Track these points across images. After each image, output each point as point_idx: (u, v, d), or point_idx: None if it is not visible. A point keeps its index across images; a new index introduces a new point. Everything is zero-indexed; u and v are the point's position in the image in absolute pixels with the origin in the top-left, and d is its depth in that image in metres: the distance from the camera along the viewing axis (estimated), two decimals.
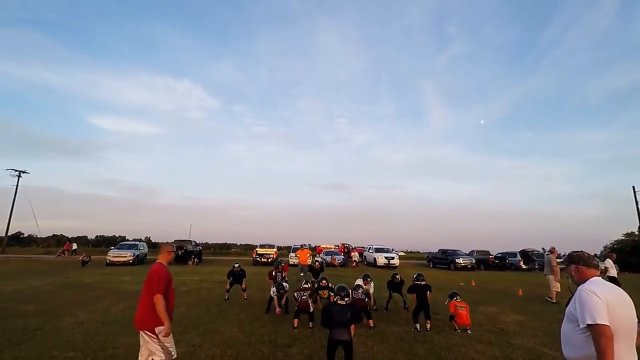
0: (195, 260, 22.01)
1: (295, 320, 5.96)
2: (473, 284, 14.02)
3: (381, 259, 23.12)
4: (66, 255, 27.03)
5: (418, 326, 5.96)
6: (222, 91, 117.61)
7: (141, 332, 3.20)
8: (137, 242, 24.45)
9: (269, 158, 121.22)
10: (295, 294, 6.50)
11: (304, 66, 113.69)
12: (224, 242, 58.27)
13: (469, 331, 5.94)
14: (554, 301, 9.24)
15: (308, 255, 14.18)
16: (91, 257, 20.85)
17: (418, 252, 46.76)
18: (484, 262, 24.81)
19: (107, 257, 20.29)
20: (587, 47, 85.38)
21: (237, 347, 4.83)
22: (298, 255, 14.52)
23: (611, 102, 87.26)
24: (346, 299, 3.89)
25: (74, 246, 29.63)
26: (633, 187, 28.92)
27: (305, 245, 18.83)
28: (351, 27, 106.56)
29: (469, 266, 22.61)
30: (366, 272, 8.75)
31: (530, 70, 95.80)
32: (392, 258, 23.25)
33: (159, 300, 3.13)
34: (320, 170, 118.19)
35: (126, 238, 48.63)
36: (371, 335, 5.54)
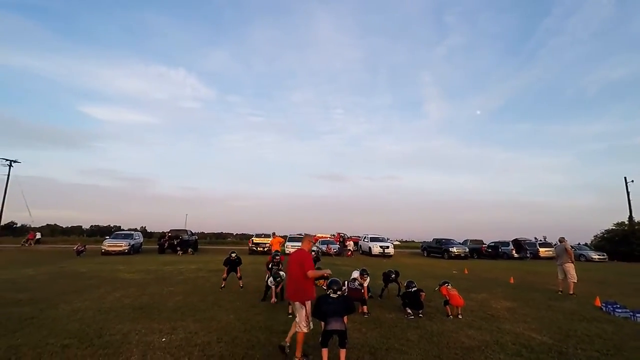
0: (191, 250, 22.07)
1: (290, 307, 6.04)
2: (466, 272, 14.28)
3: (376, 248, 23.39)
4: (31, 245, 26.91)
5: (409, 310, 6.19)
6: (217, 81, 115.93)
7: (295, 303, 4.10)
8: (133, 232, 24.40)
9: (265, 148, 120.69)
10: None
11: (300, 56, 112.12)
12: (220, 231, 58.42)
13: (460, 316, 6.08)
14: (572, 292, 8.54)
15: (280, 243, 15.23)
16: (86, 246, 20.79)
17: (413, 241, 47.29)
18: (477, 251, 25.20)
19: (102, 247, 20.26)
20: (585, 39, 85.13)
21: (233, 333, 4.89)
22: (271, 243, 15.57)
23: (605, 94, 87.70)
24: (338, 292, 4.00)
25: (38, 235, 29.66)
26: (625, 177, 29.40)
27: (275, 233, 19.86)
28: (348, 16, 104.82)
29: (463, 255, 22.98)
30: (361, 260, 8.84)
31: (527, 61, 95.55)
32: (387, 247, 23.52)
33: (313, 273, 4.11)
34: (317, 161, 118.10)
35: (121, 228, 48.54)
36: (365, 322, 5.64)
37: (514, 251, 24.59)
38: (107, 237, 23.10)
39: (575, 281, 8.81)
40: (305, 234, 4.81)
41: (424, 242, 29.57)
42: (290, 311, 5.94)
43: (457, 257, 22.57)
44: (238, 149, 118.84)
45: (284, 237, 24.38)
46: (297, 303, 4.06)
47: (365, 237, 26.55)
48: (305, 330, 3.95)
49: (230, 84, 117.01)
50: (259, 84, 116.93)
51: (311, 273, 4.05)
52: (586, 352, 4.46)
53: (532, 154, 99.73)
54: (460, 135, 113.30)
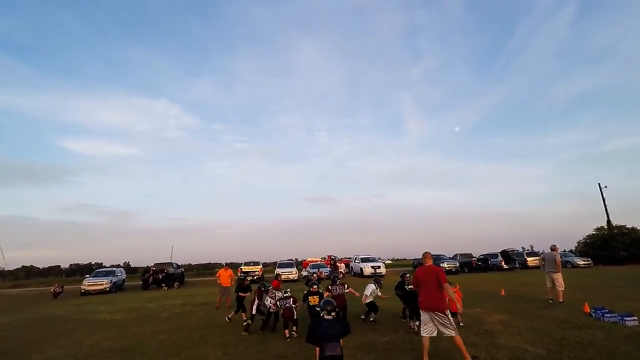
0: (177, 284, 21.20)
1: (286, 331, 6.24)
2: (457, 287, 14.22)
3: (367, 269, 23.13)
4: None
5: (411, 324, 6.57)
6: (200, 109, 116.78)
7: (432, 313, 4.53)
8: (115, 269, 23.29)
9: (252, 174, 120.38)
10: (278, 304, 6.69)
11: (283, 82, 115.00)
12: (207, 262, 56.65)
13: (461, 324, 6.10)
14: (561, 300, 8.64)
15: (230, 276, 11.56)
16: (64, 287, 19.63)
17: (404, 259, 47.12)
18: (467, 264, 25.29)
19: (82, 286, 19.22)
20: (547, 56, 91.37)
21: None
22: (219, 276, 11.46)
23: (573, 106, 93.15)
24: (332, 313, 3.78)
25: None
26: (599, 184, 30.65)
27: (226, 264, 13.91)
28: (328, 42, 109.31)
29: (453, 270, 23.00)
30: (353, 282, 8.74)
31: (499, 79, 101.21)
32: (379, 267, 23.31)
33: (449, 288, 4.65)
34: (304, 184, 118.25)
35: (103, 265, 46.33)
36: (359, 347, 5.46)
37: (502, 262, 24.80)
38: (87, 275, 21.96)
39: (563, 289, 8.89)
40: (425, 252, 5.10)
41: (415, 259, 29.50)
42: (287, 335, 6.14)
43: (448, 272, 22.50)
44: (225, 176, 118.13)
45: (274, 263, 23.62)
46: (438, 314, 4.50)
47: (356, 258, 26.25)
48: (455, 333, 4.48)
49: (214, 112, 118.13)
50: (244, 111, 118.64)
51: (446, 285, 4.62)
52: None
53: (512, 165, 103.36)
54: (441, 151, 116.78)
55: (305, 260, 29.26)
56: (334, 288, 7.41)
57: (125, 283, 23.22)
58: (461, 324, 6.44)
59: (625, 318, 6.35)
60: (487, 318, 7.36)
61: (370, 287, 7.37)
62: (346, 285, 7.65)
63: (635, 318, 6.30)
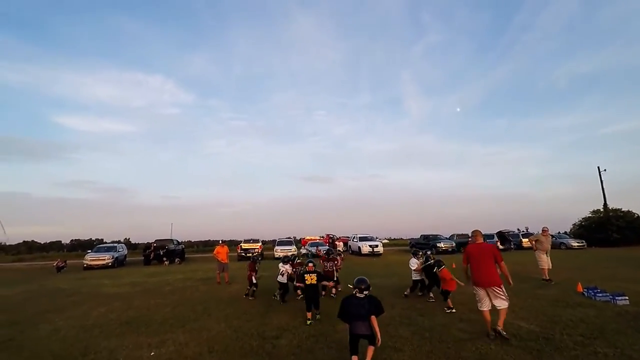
0: (178, 260, 21.61)
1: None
2: (454, 266, 14.48)
3: (365, 248, 23.53)
4: None
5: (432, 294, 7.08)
6: (196, 85, 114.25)
7: (489, 288, 4.80)
8: (116, 244, 23.61)
9: (250, 153, 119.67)
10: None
11: (280, 58, 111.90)
12: (207, 239, 57.39)
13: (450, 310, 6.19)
14: (545, 278, 9.17)
15: (227, 252, 11.63)
16: (67, 262, 19.99)
17: (401, 239, 47.89)
18: (464, 245, 25.67)
19: (84, 261, 19.54)
20: (554, 34, 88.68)
21: (224, 342, 4.80)
22: (217, 253, 11.45)
23: (575, 88, 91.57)
24: (365, 292, 3.72)
25: None
26: (598, 167, 30.69)
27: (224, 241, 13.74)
28: (327, 17, 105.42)
29: (450, 250, 23.42)
30: (351, 260, 9.02)
31: (502, 57, 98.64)
32: (376, 246, 23.70)
33: (504, 266, 4.90)
34: (302, 163, 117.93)
35: (104, 241, 46.93)
36: None
37: (498, 243, 25.22)
38: (89, 250, 22.29)
39: (544, 268, 9.32)
40: (476, 230, 5.32)
41: (412, 238, 29.97)
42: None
43: (445, 252, 22.96)
44: (222, 155, 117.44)
45: (273, 241, 23.89)
46: (495, 288, 4.76)
47: (354, 237, 26.66)
48: (507, 304, 4.78)
49: (210, 88, 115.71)
50: (240, 87, 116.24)
51: (503, 263, 4.89)
52: (571, 337, 4.61)
53: (511, 147, 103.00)
54: (441, 132, 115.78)
55: (304, 238, 29.69)
56: (326, 264, 8.01)
57: (127, 258, 23.61)
58: (453, 310, 6.45)
59: (616, 297, 6.54)
60: None
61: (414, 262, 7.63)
62: (338, 260, 8.41)
63: (626, 297, 6.49)
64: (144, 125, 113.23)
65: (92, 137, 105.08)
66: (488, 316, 4.81)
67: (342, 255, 10.92)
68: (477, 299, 4.94)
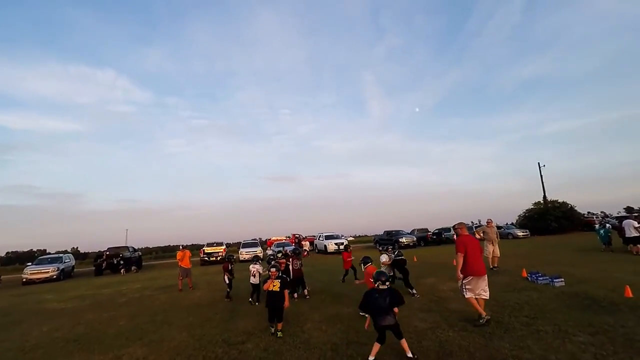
0: (134, 268, 20.26)
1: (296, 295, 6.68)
2: (415, 259, 15.22)
3: (331, 246, 23.82)
4: None
5: (414, 291, 7.11)
6: (152, 82, 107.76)
7: (482, 277, 5.05)
8: (62, 255, 21.54)
9: (211, 153, 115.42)
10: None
11: (242, 55, 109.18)
12: (167, 244, 54.51)
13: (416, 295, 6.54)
14: (493, 266, 9.87)
15: (189, 257, 11.04)
16: (2, 277, 17.86)
17: (366, 235, 49.14)
18: (423, 239, 27.02)
19: (23, 275, 17.60)
20: (500, 41, 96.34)
21: (187, 352, 4.59)
22: (180, 258, 10.80)
23: (520, 91, 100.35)
24: (387, 283, 3.93)
25: None
26: (538, 163, 33.95)
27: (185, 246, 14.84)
28: (290, 15, 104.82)
29: (411, 244, 24.47)
30: (318, 259, 9.08)
31: (456, 61, 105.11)
32: (342, 244, 24.05)
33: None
34: (266, 163, 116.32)
35: (47, 251, 42.64)
36: (325, 320, 5.70)
37: (455, 236, 26.86)
38: (29, 263, 20.11)
39: (489, 256, 9.92)
40: (461, 222, 5.64)
41: (376, 235, 30.87)
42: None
43: (407, 246, 23.95)
44: (181, 154, 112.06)
45: (238, 243, 23.31)
46: (485, 277, 5.06)
47: (320, 236, 26.87)
48: (487, 296, 5.08)
49: (167, 85, 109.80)
50: (200, 84, 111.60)
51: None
52: (518, 318, 5.06)
53: (465, 145, 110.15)
54: (402, 131, 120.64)
55: (269, 239, 29.29)
56: (294, 262, 8.10)
57: (74, 270, 21.68)
58: (417, 295, 6.93)
59: (554, 280, 7.28)
60: (441, 286, 8.01)
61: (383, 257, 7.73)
62: (305, 252, 8.56)
63: (562, 279, 7.26)
64: (93, 124, 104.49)
65: (31, 136, 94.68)
66: (476, 302, 5.01)
67: (306, 253, 11.05)
68: (468, 287, 5.02)
